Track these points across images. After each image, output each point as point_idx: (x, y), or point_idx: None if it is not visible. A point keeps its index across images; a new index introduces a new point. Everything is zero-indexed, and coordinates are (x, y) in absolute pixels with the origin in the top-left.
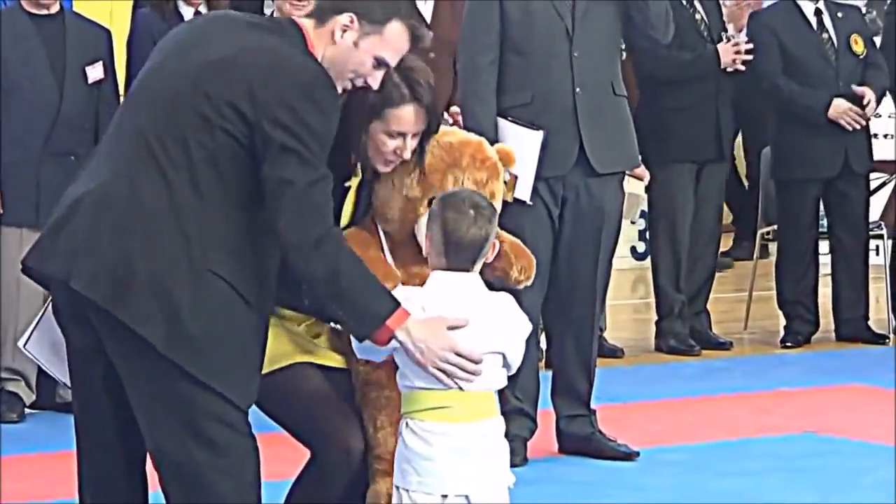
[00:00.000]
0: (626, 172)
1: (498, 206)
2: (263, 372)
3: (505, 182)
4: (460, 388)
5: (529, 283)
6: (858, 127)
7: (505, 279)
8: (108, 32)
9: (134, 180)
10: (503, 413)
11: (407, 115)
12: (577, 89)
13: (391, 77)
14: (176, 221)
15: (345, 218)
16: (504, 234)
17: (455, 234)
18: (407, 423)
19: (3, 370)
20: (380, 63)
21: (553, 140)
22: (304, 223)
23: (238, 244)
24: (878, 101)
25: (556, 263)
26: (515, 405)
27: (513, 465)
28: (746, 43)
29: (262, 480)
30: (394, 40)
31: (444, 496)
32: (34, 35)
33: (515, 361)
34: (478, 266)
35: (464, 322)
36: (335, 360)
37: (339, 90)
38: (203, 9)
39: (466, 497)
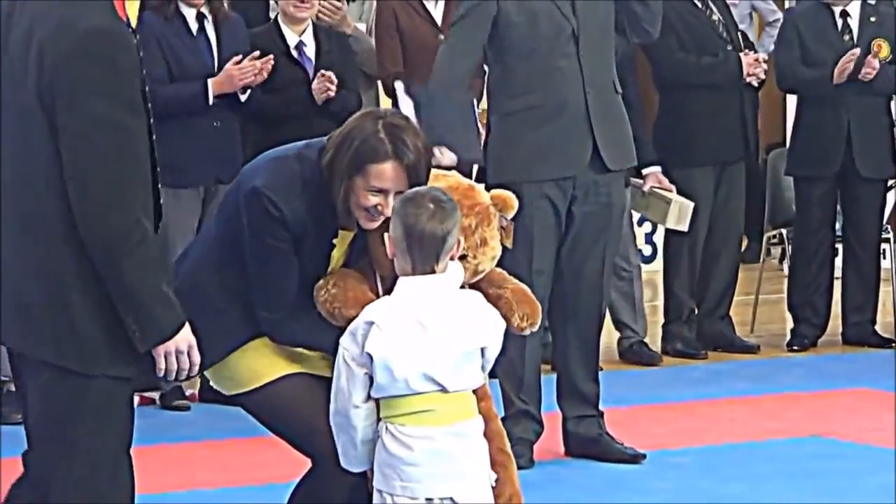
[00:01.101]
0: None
1: (492, 252)
2: (256, 385)
3: (503, 227)
4: (444, 390)
5: (533, 330)
6: (867, 74)
7: (508, 324)
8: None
9: None
10: (508, 416)
11: (388, 172)
12: (588, 89)
13: (377, 132)
14: None
15: (341, 259)
16: (510, 280)
17: (415, 228)
18: (387, 428)
19: (4, 374)
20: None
21: (567, 141)
22: None
23: None
24: (889, 97)
25: (561, 262)
26: (521, 407)
27: (519, 468)
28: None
29: (267, 483)
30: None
31: (429, 500)
32: None
33: (493, 357)
34: (442, 265)
35: None
36: (328, 369)
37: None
38: (205, 10)
39: (451, 499)
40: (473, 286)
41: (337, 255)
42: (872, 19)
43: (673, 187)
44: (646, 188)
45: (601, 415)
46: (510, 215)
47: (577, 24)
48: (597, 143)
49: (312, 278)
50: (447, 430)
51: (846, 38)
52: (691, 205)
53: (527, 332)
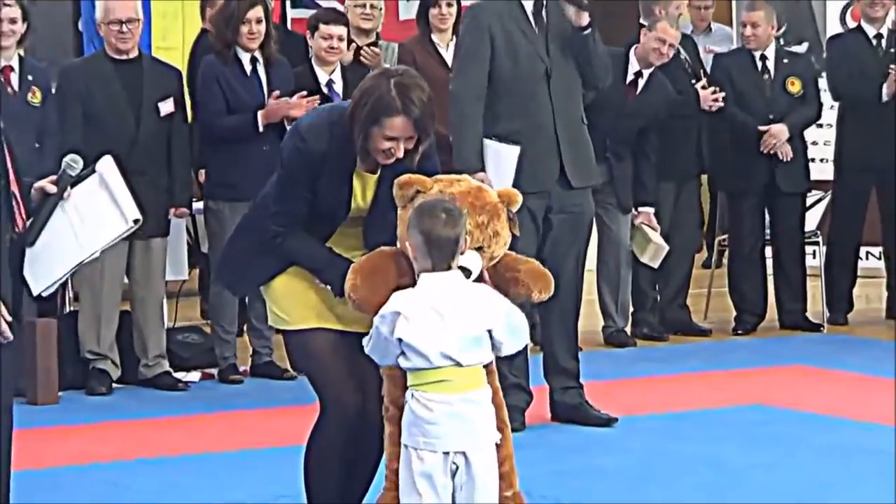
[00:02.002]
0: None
1: (503, 240)
2: (291, 328)
3: (510, 218)
4: (459, 364)
5: (549, 295)
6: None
7: (529, 298)
8: (179, 73)
9: None
10: (503, 388)
11: (398, 124)
12: (557, 121)
13: (389, 91)
14: None
15: (366, 203)
16: (522, 260)
17: (433, 235)
18: (413, 394)
19: (92, 353)
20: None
21: (540, 161)
22: None
23: None
24: (802, 129)
25: (545, 262)
26: (513, 381)
27: (513, 430)
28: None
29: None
30: None
31: (446, 453)
32: (115, 76)
33: (503, 337)
34: (456, 262)
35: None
36: (352, 326)
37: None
38: (257, 54)
39: (464, 453)
40: (491, 270)
41: (361, 202)
42: (785, 61)
43: (658, 227)
44: (636, 222)
45: (581, 386)
46: (515, 208)
47: (549, 65)
48: (563, 165)
49: (331, 210)
50: (462, 396)
51: (765, 76)
52: (666, 248)
53: (545, 298)
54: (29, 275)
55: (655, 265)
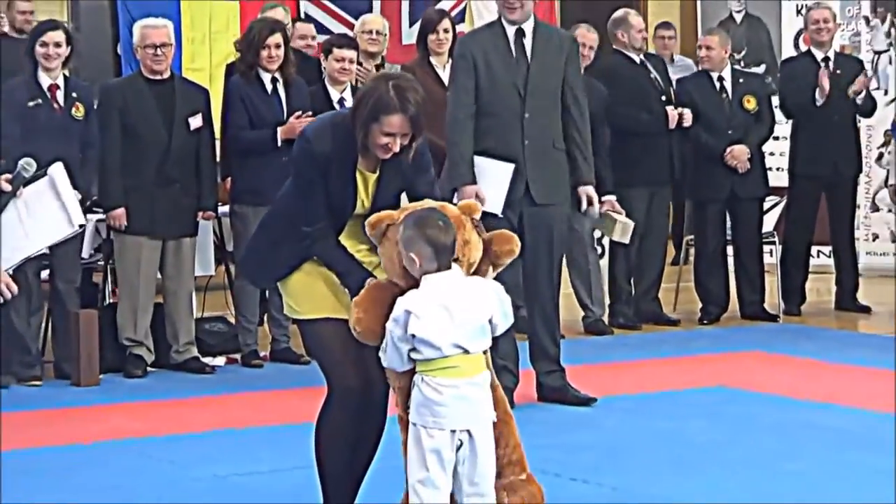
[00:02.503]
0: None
1: (474, 246)
2: (303, 318)
3: (475, 225)
4: (466, 352)
5: (517, 251)
6: (741, 168)
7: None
8: (206, 92)
9: None
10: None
11: (395, 121)
12: (526, 142)
13: (388, 91)
14: None
15: (369, 200)
16: (484, 233)
17: (439, 243)
18: (423, 378)
19: (129, 340)
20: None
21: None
22: None
23: None
24: (758, 147)
25: (525, 264)
26: (500, 364)
27: None
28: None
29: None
30: None
31: (453, 431)
32: (150, 95)
33: (499, 319)
34: (450, 262)
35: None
36: None
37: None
38: (277, 74)
39: (468, 431)
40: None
41: (365, 198)
42: (741, 81)
43: (623, 211)
44: (602, 210)
45: (563, 370)
46: (477, 216)
47: (524, 93)
48: (528, 183)
49: (340, 207)
50: (468, 380)
51: (723, 95)
52: (632, 224)
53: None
54: None
55: (626, 240)
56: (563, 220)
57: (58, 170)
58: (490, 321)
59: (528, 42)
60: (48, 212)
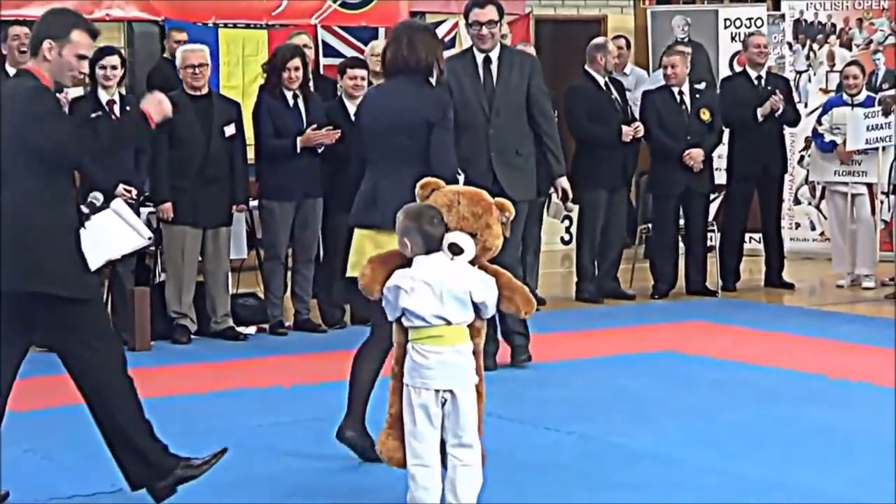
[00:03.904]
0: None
1: (495, 234)
2: (349, 275)
3: (503, 223)
4: (448, 323)
5: (531, 314)
6: (696, 168)
7: (517, 314)
8: (238, 105)
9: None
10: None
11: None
12: (492, 153)
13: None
14: None
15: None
16: (517, 285)
17: (429, 234)
18: (413, 346)
19: (175, 312)
20: (81, 57)
21: (483, 181)
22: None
23: None
24: (710, 151)
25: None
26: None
27: (486, 370)
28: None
29: (336, 380)
30: (81, 41)
31: (437, 391)
32: (191, 108)
33: (484, 298)
34: (445, 245)
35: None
36: None
37: (70, 83)
38: (298, 92)
39: (451, 391)
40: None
41: None
42: (697, 95)
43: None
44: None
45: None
46: (507, 215)
47: (489, 112)
48: (500, 184)
49: None
50: (450, 348)
51: (683, 107)
52: (563, 208)
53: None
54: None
55: (558, 220)
56: (525, 214)
57: (119, 203)
58: (474, 302)
59: (494, 67)
60: (119, 230)
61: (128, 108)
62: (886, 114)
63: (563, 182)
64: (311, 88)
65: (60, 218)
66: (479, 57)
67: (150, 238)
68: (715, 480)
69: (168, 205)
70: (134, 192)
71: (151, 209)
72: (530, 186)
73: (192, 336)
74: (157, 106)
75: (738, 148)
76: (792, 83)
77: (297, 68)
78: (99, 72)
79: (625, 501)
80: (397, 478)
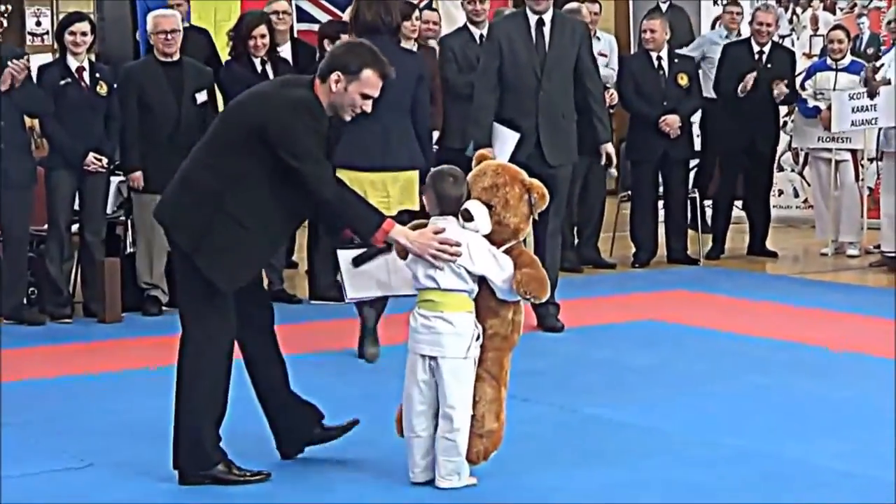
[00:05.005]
0: None
1: (515, 212)
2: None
3: (531, 204)
4: (438, 287)
5: (540, 299)
6: (673, 134)
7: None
8: (210, 72)
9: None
10: None
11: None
12: (540, 115)
13: None
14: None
15: None
16: (528, 260)
17: (443, 194)
18: (414, 311)
19: (147, 283)
20: (365, 96)
21: (525, 142)
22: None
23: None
24: (688, 117)
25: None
26: None
27: None
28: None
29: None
30: (370, 80)
31: (423, 356)
32: (162, 74)
33: (485, 272)
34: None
35: (441, 228)
36: None
37: (348, 118)
38: (265, 58)
39: (435, 359)
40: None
41: None
42: (676, 60)
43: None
44: None
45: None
46: (540, 204)
47: (541, 74)
48: (542, 147)
49: None
50: (437, 314)
51: (660, 73)
52: (608, 174)
53: (529, 300)
54: (347, 282)
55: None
56: (569, 180)
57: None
58: (479, 274)
59: (546, 30)
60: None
61: (97, 75)
62: (871, 96)
63: (609, 147)
64: (291, 55)
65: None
66: (533, 18)
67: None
68: (699, 452)
69: (139, 173)
70: (104, 160)
71: (122, 178)
72: (572, 150)
73: (164, 307)
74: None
75: (727, 119)
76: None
77: (263, 35)
78: (68, 38)
79: (606, 474)
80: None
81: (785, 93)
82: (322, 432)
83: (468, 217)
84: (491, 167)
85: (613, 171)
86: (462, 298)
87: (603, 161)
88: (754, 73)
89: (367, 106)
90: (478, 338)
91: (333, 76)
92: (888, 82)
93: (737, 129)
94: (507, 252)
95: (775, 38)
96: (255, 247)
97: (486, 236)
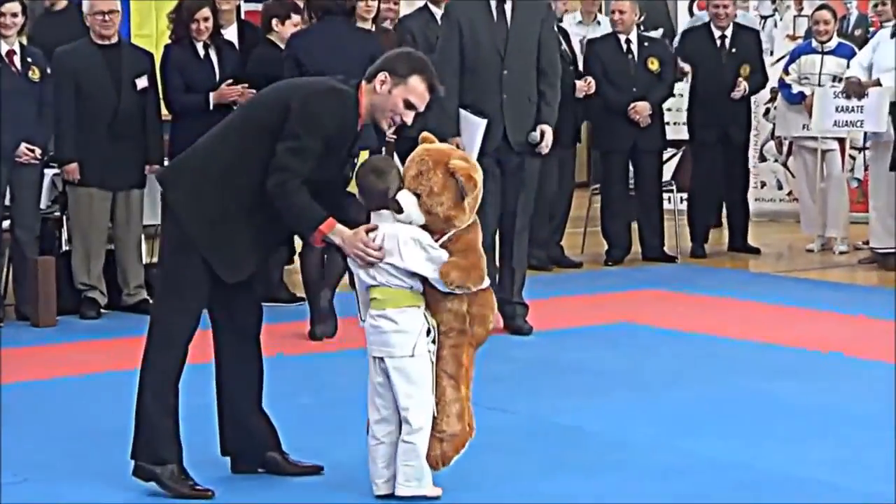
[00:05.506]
0: None
1: (440, 201)
2: None
3: (462, 189)
4: (373, 286)
5: (460, 289)
6: (643, 122)
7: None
8: (151, 56)
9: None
10: None
11: None
12: (504, 96)
13: None
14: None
15: None
16: (462, 247)
17: (365, 188)
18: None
19: (83, 284)
20: (409, 105)
21: (493, 131)
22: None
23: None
24: (659, 104)
25: (503, 201)
26: None
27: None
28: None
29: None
30: (416, 88)
31: (374, 357)
32: (99, 58)
33: (409, 266)
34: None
35: (374, 226)
36: None
37: (385, 127)
38: (208, 42)
39: (382, 359)
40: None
41: None
42: (646, 44)
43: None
44: None
45: (524, 304)
46: (468, 190)
47: (504, 54)
48: (506, 132)
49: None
50: (381, 313)
51: (629, 56)
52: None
53: (457, 291)
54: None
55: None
56: (538, 171)
57: None
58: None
59: (508, 8)
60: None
61: (29, 59)
62: (859, 97)
63: (547, 129)
64: (237, 38)
65: None
66: None
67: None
68: (673, 461)
69: (74, 165)
70: (37, 150)
71: (56, 170)
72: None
73: (102, 310)
74: None
75: (695, 110)
76: (758, 28)
77: (206, 18)
78: None
79: (574, 486)
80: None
81: (744, 91)
82: (282, 461)
83: (398, 209)
84: (419, 153)
85: (535, 135)
86: (404, 294)
87: (535, 138)
88: (746, 84)
89: (408, 117)
90: (428, 332)
91: (380, 76)
92: (878, 83)
93: (706, 122)
94: (450, 241)
95: (752, 17)
96: (260, 236)
97: (426, 227)
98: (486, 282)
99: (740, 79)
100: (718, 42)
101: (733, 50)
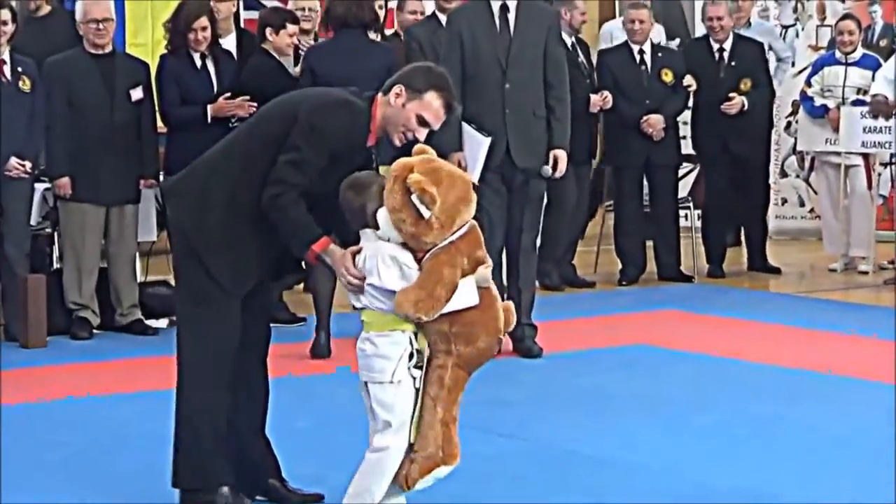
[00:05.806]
0: None
1: (405, 222)
2: None
3: (421, 207)
4: (363, 305)
5: (419, 317)
6: (656, 136)
7: None
8: (147, 65)
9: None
10: None
11: None
12: (507, 111)
13: None
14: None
15: None
16: (433, 271)
17: (343, 205)
18: None
19: (75, 303)
20: (422, 121)
21: (497, 147)
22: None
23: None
24: (674, 117)
25: (508, 219)
26: None
27: None
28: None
29: None
30: (431, 104)
31: (363, 381)
32: (94, 68)
33: (382, 284)
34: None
35: (359, 248)
36: None
37: (397, 141)
38: (206, 52)
39: (365, 383)
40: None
41: None
42: (660, 54)
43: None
44: None
45: (533, 326)
46: (423, 198)
47: (506, 65)
48: (510, 148)
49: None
50: (365, 335)
51: (643, 68)
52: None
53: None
54: None
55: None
56: (543, 183)
57: None
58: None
59: (511, 17)
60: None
61: (19, 69)
62: (887, 117)
63: (560, 153)
64: (236, 47)
65: None
66: (496, 5)
67: None
68: (688, 492)
69: (66, 179)
70: (27, 164)
71: (47, 185)
72: (540, 153)
73: (95, 330)
74: None
75: (698, 125)
76: (778, 37)
77: (204, 28)
78: None
79: None
80: None
81: (741, 105)
82: (282, 489)
83: (377, 226)
84: (393, 166)
85: (548, 168)
86: (388, 317)
87: (549, 166)
88: (742, 99)
89: (421, 134)
90: (411, 356)
91: (396, 89)
92: None
93: (707, 134)
94: (428, 261)
95: (772, 26)
96: (264, 247)
97: (406, 245)
98: (469, 302)
99: (733, 94)
100: (717, 55)
101: (732, 63)
